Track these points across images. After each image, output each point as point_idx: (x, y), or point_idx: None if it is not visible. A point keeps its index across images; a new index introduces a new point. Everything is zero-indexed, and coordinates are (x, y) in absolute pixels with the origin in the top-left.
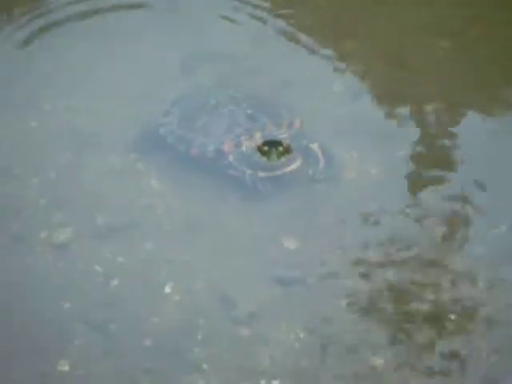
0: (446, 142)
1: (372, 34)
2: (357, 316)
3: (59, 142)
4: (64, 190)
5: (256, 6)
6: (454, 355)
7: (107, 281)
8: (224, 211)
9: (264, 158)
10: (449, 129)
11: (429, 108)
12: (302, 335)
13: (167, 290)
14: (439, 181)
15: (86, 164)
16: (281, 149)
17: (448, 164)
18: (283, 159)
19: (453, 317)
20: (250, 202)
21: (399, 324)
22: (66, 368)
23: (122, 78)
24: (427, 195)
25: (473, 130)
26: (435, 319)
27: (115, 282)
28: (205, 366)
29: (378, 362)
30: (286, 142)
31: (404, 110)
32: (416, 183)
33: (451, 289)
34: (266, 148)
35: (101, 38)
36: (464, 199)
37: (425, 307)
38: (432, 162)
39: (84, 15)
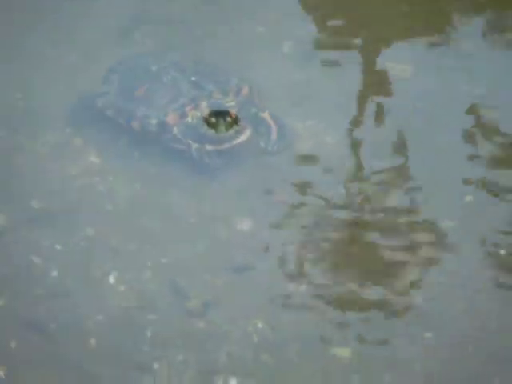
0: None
1: None
2: (318, 302)
3: None
4: None
5: None
6: None
7: (45, 272)
8: (170, 190)
9: (211, 131)
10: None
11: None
12: (260, 326)
13: (111, 280)
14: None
15: (18, 142)
16: (229, 119)
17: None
18: (232, 131)
19: None
20: (197, 178)
21: (361, 309)
22: (1, 374)
23: (54, 46)
24: (381, 164)
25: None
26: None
27: (54, 274)
28: (156, 365)
29: (344, 353)
30: (233, 112)
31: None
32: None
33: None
34: (213, 119)
35: (28, 4)
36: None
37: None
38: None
39: None
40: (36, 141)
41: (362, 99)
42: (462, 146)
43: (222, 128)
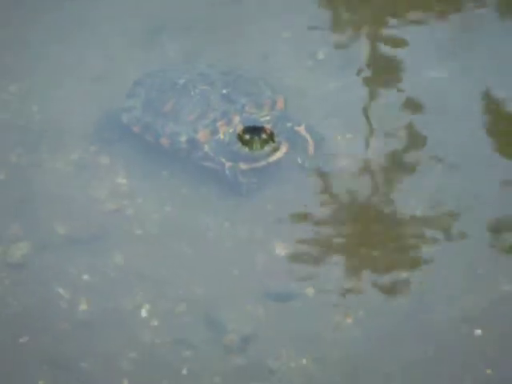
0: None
1: None
2: (371, 334)
3: (9, 136)
4: (17, 196)
5: None
6: None
7: (73, 306)
8: (203, 212)
9: (245, 148)
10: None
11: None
12: (306, 363)
13: (143, 313)
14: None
15: (40, 161)
16: (264, 136)
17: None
18: (267, 148)
19: None
20: (231, 199)
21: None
22: None
23: (76, 58)
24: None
25: None
26: None
27: (82, 306)
28: None
29: None
30: (268, 128)
31: (400, 79)
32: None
33: None
34: (247, 136)
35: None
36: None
37: None
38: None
39: None
40: (58, 159)
41: (399, 111)
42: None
43: (257, 145)
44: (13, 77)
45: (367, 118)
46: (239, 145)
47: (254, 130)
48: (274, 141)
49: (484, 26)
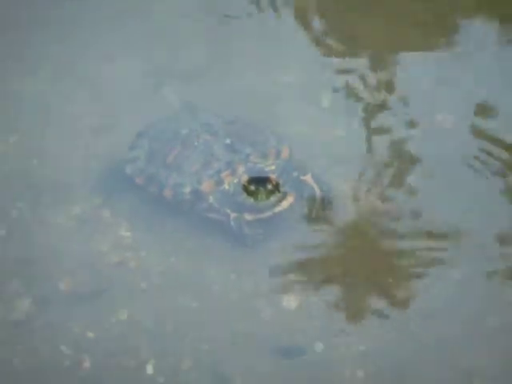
0: None
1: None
2: None
3: (8, 190)
4: (18, 251)
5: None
6: None
7: (76, 364)
8: (208, 265)
9: (251, 199)
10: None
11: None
12: None
13: (149, 370)
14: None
15: (42, 216)
16: (269, 187)
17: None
18: (273, 198)
19: None
20: (237, 251)
21: None
22: None
23: (76, 109)
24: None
25: None
26: None
27: (86, 365)
28: None
29: None
30: (274, 178)
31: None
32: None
33: None
34: (252, 187)
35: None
36: None
37: None
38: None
39: None
40: (59, 213)
41: (406, 156)
42: None
43: (263, 196)
44: (12, 128)
45: (372, 165)
46: (244, 195)
47: (260, 181)
48: (279, 191)
49: None
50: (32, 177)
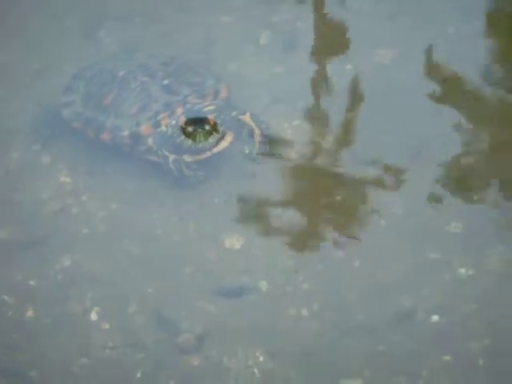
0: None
1: None
2: (325, 328)
3: None
4: None
5: None
6: None
7: (19, 313)
8: (150, 208)
9: (189, 141)
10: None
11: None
12: (261, 359)
13: (93, 317)
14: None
15: None
16: (207, 127)
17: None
18: (211, 139)
19: None
20: (178, 193)
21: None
22: None
23: (13, 57)
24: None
25: None
26: None
27: (29, 313)
28: None
29: None
30: (212, 119)
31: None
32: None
33: None
34: (190, 129)
35: None
36: None
37: None
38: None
39: None
40: None
41: (351, 91)
42: None
43: (201, 137)
44: None
45: (314, 103)
46: (182, 137)
47: (197, 122)
48: (218, 131)
49: None
50: None
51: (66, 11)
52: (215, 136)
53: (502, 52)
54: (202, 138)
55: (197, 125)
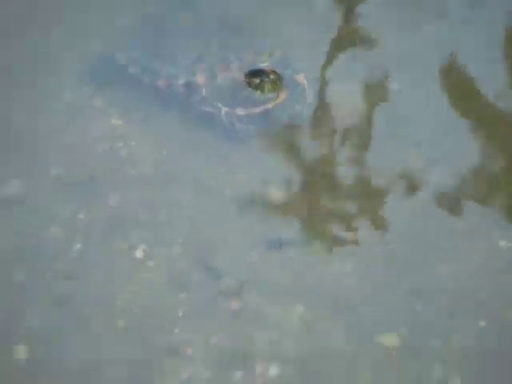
0: None
1: None
2: (365, 282)
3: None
4: (7, 135)
5: None
6: None
7: (68, 245)
8: (200, 157)
9: (257, 92)
10: None
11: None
12: (301, 310)
13: (139, 254)
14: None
15: (32, 102)
16: (272, 77)
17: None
18: (277, 89)
19: None
20: (229, 145)
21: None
22: (22, 356)
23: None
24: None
25: None
26: None
27: (77, 246)
28: (189, 350)
29: (392, 340)
30: (273, 71)
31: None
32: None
33: None
34: (256, 80)
35: None
36: None
37: None
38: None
39: None
40: (50, 99)
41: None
42: None
43: (269, 87)
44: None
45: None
46: (248, 90)
47: (259, 73)
48: (282, 82)
49: None
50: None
51: None
52: (280, 87)
53: None
54: (271, 88)
55: (261, 76)
